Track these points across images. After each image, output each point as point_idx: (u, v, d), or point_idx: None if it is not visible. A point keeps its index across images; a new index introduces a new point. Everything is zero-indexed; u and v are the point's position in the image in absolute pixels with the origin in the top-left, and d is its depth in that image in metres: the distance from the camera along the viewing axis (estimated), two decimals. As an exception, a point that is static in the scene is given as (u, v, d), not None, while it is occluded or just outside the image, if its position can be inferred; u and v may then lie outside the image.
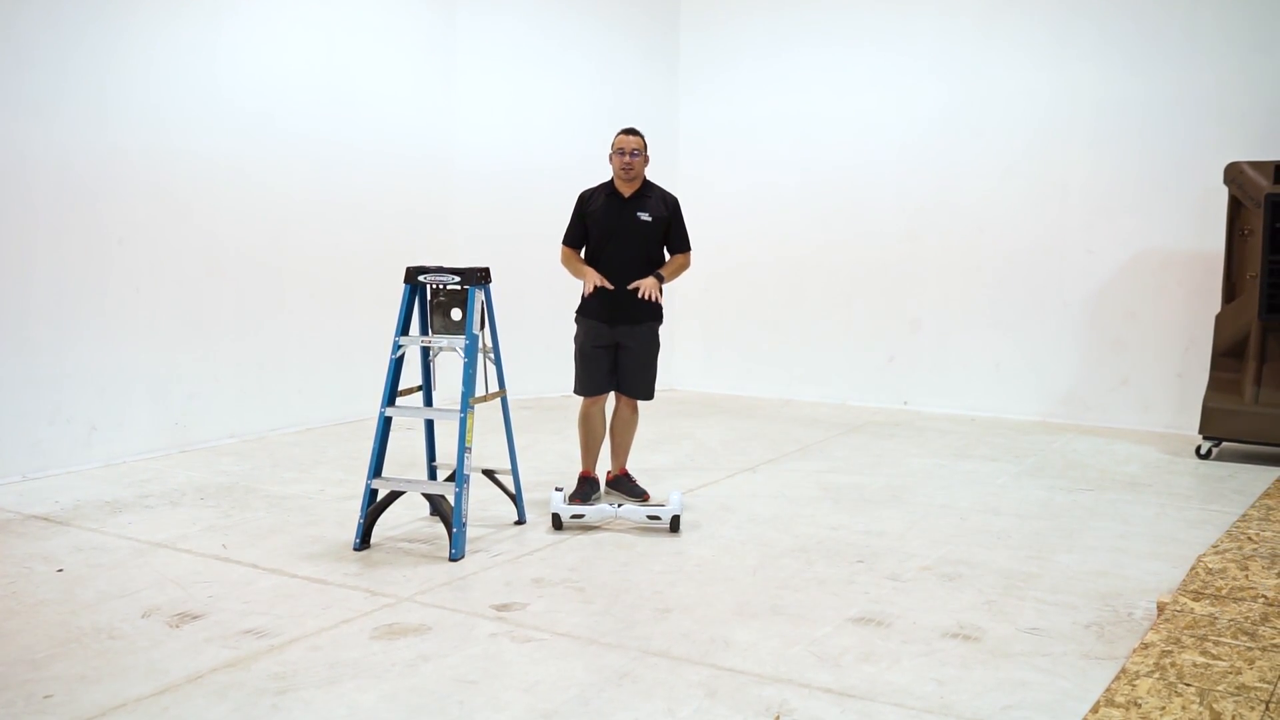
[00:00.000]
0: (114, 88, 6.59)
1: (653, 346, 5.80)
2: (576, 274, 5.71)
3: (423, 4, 8.91)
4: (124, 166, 6.68)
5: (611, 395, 5.86)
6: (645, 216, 5.65)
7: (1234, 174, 7.22)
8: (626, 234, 5.63)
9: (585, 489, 5.78)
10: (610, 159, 5.69)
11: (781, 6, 9.71)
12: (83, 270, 6.49)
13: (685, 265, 5.85)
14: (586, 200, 5.74)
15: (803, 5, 9.60)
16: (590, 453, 5.85)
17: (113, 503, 5.72)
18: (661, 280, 5.63)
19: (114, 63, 6.58)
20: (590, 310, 5.71)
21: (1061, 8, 8.53)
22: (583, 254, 5.78)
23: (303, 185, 7.87)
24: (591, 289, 5.56)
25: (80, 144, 6.42)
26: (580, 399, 5.84)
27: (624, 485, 5.89)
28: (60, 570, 4.56)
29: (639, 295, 5.54)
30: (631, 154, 5.58)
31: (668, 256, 5.83)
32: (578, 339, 5.78)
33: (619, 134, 5.67)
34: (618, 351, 5.73)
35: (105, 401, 6.65)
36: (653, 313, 5.73)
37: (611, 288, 5.56)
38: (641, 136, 5.67)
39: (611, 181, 5.73)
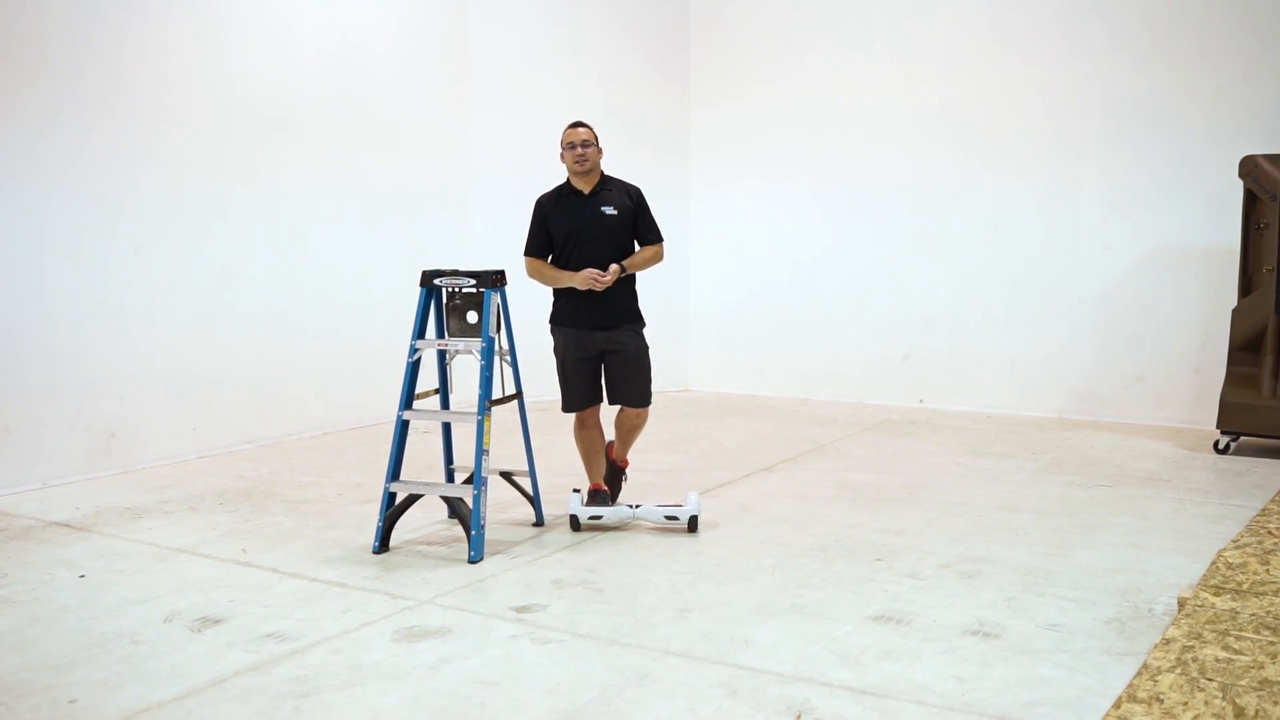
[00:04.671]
0: (128, 95, 6.63)
1: (640, 347, 5.41)
2: (557, 281, 5.32)
3: (435, 9, 8.94)
4: (138, 174, 6.72)
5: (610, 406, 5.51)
6: (610, 210, 5.29)
7: (1249, 168, 7.18)
8: (593, 232, 5.27)
9: (598, 501, 5.46)
10: (561, 157, 5.34)
11: (792, 8, 9.70)
12: (100, 278, 6.54)
13: (657, 257, 5.43)
14: (545, 204, 5.40)
15: (813, 6, 9.59)
16: (594, 466, 5.55)
17: (133, 509, 5.76)
18: (622, 271, 5.25)
19: (128, 70, 6.63)
20: (565, 318, 5.38)
21: (1073, 4, 8.50)
22: (549, 262, 5.42)
23: (317, 190, 7.91)
24: (588, 282, 5.18)
25: (95, 152, 6.47)
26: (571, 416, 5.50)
27: (610, 480, 5.64)
28: (82, 576, 4.59)
29: (581, 285, 5.19)
30: (583, 145, 5.24)
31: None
32: (558, 352, 5.44)
33: (566, 128, 5.31)
34: (604, 360, 5.39)
35: (124, 408, 6.69)
36: (630, 315, 5.40)
37: (603, 283, 5.20)
38: (590, 128, 5.31)
39: (568, 181, 5.40)
